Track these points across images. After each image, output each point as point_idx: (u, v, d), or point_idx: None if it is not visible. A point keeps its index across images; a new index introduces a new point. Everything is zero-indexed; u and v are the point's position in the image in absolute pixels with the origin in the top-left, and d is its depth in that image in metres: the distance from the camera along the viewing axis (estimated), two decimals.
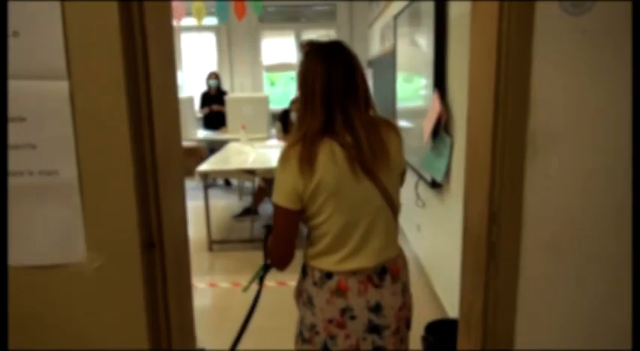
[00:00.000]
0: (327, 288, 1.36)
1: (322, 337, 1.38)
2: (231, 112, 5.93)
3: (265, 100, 5.84)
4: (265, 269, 1.51)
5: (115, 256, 1.39)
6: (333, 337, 1.37)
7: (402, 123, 4.06)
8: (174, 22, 5.31)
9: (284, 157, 1.32)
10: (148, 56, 1.37)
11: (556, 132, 1.38)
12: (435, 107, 2.86)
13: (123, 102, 1.30)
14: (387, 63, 5.24)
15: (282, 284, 3.29)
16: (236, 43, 7.72)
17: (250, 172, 4.18)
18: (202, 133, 6.57)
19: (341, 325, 1.36)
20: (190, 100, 6.47)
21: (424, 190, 3.46)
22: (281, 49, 7.84)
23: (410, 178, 4.13)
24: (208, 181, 4.29)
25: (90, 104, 1.31)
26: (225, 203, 5.66)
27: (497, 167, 1.39)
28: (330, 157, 1.28)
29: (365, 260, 1.36)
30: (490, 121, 1.40)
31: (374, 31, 6.76)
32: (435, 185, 3.06)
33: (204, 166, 4.26)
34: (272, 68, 8.02)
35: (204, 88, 6.87)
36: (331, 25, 7.74)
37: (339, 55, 1.32)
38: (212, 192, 6.15)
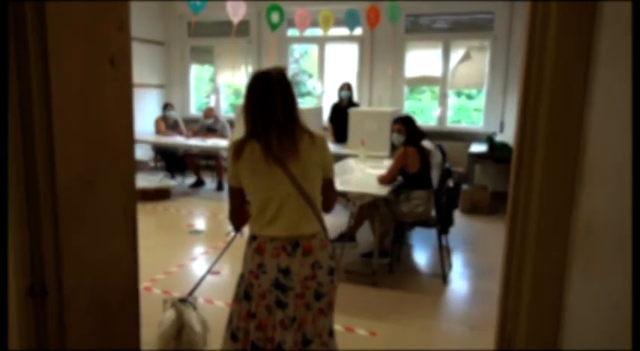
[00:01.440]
0: (252, 247, 1.85)
1: (245, 283, 1.88)
2: (353, 126, 5.59)
3: (388, 116, 5.36)
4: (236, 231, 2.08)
5: None
6: (251, 285, 1.85)
7: None
8: (300, 32, 5.19)
9: (229, 152, 1.86)
10: (49, 70, 1.09)
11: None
12: None
13: None
14: None
15: None
16: (379, 54, 7.36)
17: (342, 195, 3.77)
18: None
19: (256, 277, 1.83)
20: (318, 110, 6.33)
21: None
22: (426, 61, 7.24)
23: None
24: None
25: None
26: (329, 220, 5.35)
27: (515, 266, 0.76)
28: (250, 151, 1.79)
29: (278, 230, 1.80)
30: (512, 188, 0.79)
31: None
32: None
33: None
34: (414, 81, 7.46)
35: (335, 99, 6.69)
36: (487, 35, 6.87)
37: (262, 82, 1.79)
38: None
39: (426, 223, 4.07)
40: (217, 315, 2.88)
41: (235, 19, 4.66)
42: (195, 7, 4.90)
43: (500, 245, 5.21)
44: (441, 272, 3.99)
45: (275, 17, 4.81)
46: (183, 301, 2.50)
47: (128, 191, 1.38)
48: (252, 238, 1.86)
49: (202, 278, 2.71)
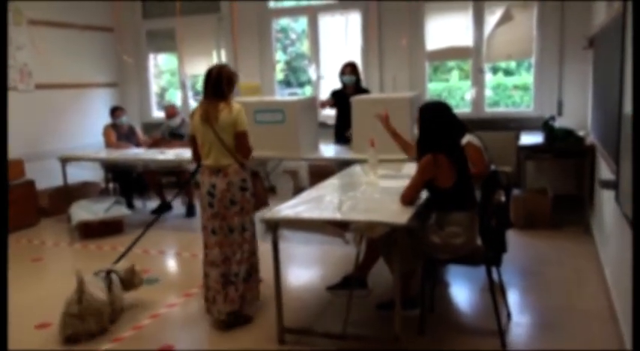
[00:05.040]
0: (200, 172, 3.62)
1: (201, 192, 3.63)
2: (357, 121, 4.77)
3: (406, 104, 4.52)
4: (193, 173, 4.00)
5: None
6: (201, 193, 3.60)
7: None
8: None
9: (189, 114, 3.87)
10: None
11: None
12: None
13: None
14: (610, 38, 3.47)
15: None
16: (389, 22, 6.56)
17: (342, 226, 2.95)
18: (327, 150, 5.55)
19: (200, 188, 3.58)
20: (310, 102, 5.50)
21: None
22: (452, 28, 6.44)
23: None
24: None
25: None
26: (330, 253, 4.54)
27: None
28: (197, 115, 3.52)
29: (209, 162, 3.49)
30: None
31: None
32: None
33: (279, 211, 3.19)
34: (438, 55, 6.63)
35: (337, 85, 5.90)
36: None
37: (207, 73, 3.54)
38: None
39: (469, 259, 3.22)
40: None
41: None
42: None
43: (574, 274, 4.05)
44: (497, 328, 3.14)
45: None
46: (109, 272, 3.63)
47: None
48: (200, 166, 3.63)
49: (129, 248, 4.23)
